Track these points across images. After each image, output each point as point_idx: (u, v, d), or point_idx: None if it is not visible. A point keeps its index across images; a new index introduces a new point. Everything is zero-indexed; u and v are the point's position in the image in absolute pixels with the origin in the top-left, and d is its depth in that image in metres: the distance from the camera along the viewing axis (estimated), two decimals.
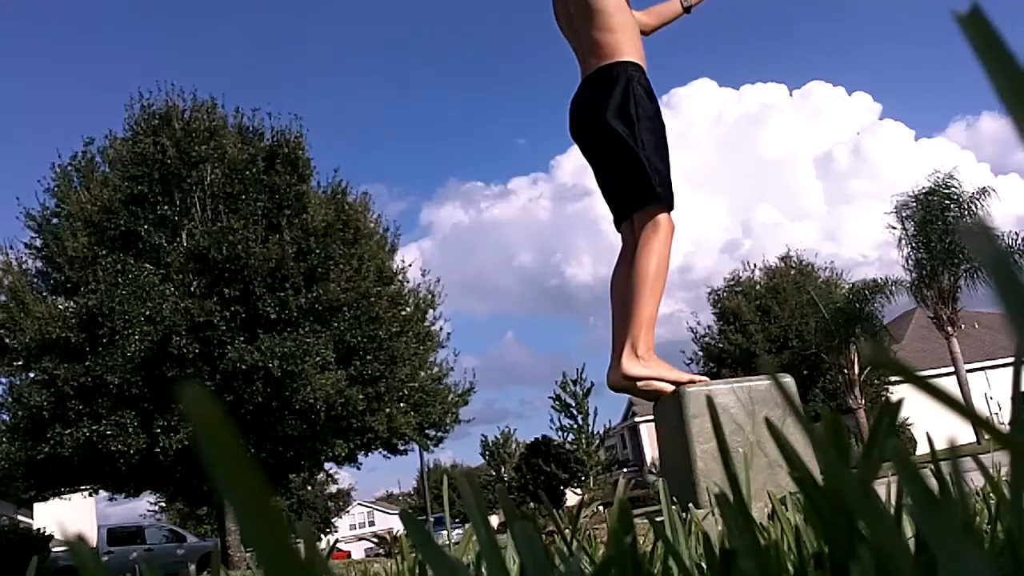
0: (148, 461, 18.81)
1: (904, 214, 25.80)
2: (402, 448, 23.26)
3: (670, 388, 2.54)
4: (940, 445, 0.67)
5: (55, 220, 20.28)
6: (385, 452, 23.03)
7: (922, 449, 24.92)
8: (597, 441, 39.16)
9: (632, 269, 2.63)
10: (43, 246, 20.28)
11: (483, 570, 0.84)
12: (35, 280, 20.46)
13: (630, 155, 2.67)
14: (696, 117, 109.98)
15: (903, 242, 26.15)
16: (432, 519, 28.23)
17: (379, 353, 20.24)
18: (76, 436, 18.09)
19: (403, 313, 21.62)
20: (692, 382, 2.52)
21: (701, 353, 37.69)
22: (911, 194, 25.68)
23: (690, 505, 1.67)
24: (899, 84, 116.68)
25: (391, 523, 54.61)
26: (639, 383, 2.57)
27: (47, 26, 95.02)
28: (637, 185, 2.69)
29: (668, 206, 2.69)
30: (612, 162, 2.77)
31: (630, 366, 2.55)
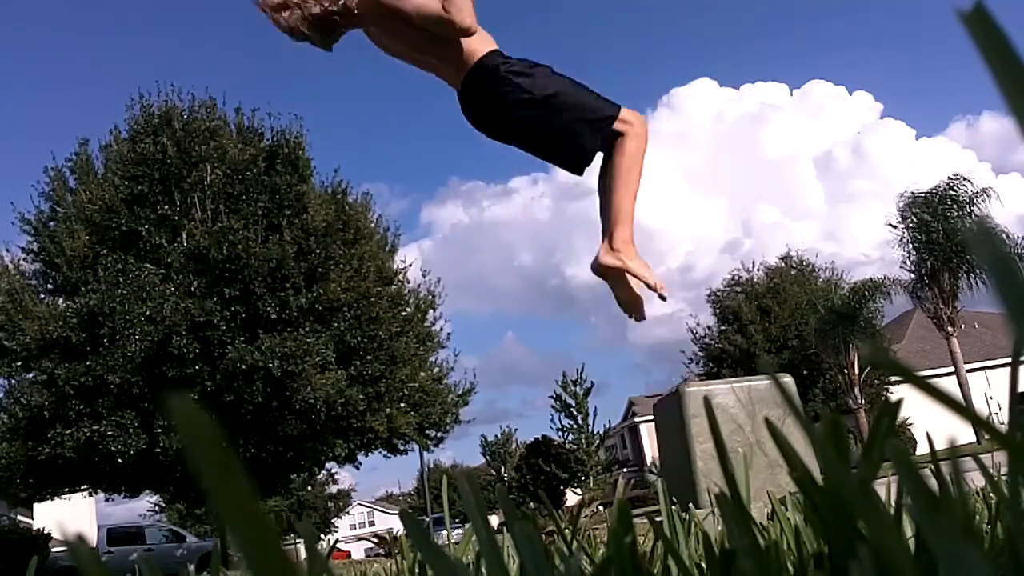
0: (148, 461, 18.81)
1: (908, 213, 25.81)
2: (402, 448, 23.26)
3: (635, 285, 2.68)
4: (940, 445, 0.67)
5: (52, 223, 20.26)
6: (385, 452, 23.03)
7: (922, 449, 24.92)
8: (597, 441, 39.19)
9: (608, 169, 2.71)
10: (40, 248, 20.27)
11: (483, 570, 0.84)
12: (34, 281, 20.45)
13: (549, 134, 2.68)
14: (696, 117, 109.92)
15: (904, 241, 26.17)
16: (432, 519, 28.23)
17: (379, 353, 20.24)
18: (76, 436, 18.09)
19: (403, 313, 21.62)
20: (657, 290, 2.63)
21: (701, 353, 37.68)
22: (918, 193, 25.66)
23: (690, 505, 1.67)
24: (900, 83, 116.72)
25: (391, 523, 54.60)
26: (611, 271, 2.71)
27: (42, 27, 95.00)
28: (579, 149, 2.69)
29: (611, 122, 2.65)
30: (539, 143, 2.77)
31: (604, 257, 2.68)
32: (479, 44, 2.67)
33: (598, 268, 2.73)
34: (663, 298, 2.69)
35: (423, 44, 2.70)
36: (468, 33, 2.58)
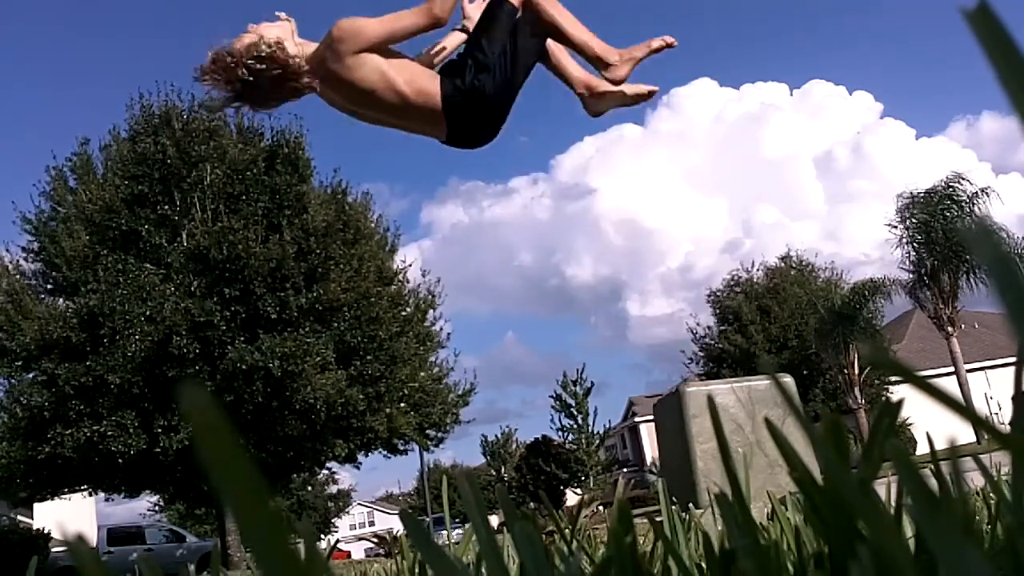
0: (148, 461, 18.80)
1: (907, 213, 25.82)
2: (402, 448, 23.26)
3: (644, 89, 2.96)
4: (940, 445, 0.67)
5: (52, 223, 20.26)
6: (385, 452, 23.03)
7: (922, 449, 24.92)
8: (597, 441, 39.20)
9: (546, 28, 2.81)
10: (40, 248, 20.27)
11: (483, 570, 0.84)
12: (34, 281, 20.45)
13: (520, 63, 2.78)
14: (696, 117, 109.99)
15: (903, 241, 26.18)
16: (432, 519, 28.25)
17: (379, 353, 20.24)
18: (77, 436, 18.08)
19: (403, 313, 21.61)
20: (662, 47, 2.90)
21: (701, 353, 37.68)
22: (915, 193, 25.69)
23: (690, 505, 1.67)
24: (900, 83, 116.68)
25: (391, 523, 54.59)
26: (622, 81, 2.89)
27: (43, 27, 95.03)
28: (537, 40, 2.82)
29: (514, 7, 2.75)
30: (523, 74, 2.88)
31: (616, 72, 2.86)
32: (429, 84, 2.71)
33: (601, 101, 2.94)
34: (672, 46, 2.96)
35: (379, 102, 2.72)
36: (439, 24, 2.66)
